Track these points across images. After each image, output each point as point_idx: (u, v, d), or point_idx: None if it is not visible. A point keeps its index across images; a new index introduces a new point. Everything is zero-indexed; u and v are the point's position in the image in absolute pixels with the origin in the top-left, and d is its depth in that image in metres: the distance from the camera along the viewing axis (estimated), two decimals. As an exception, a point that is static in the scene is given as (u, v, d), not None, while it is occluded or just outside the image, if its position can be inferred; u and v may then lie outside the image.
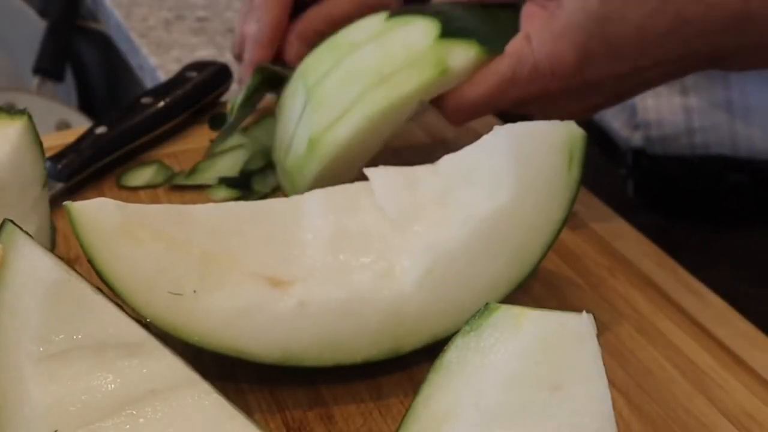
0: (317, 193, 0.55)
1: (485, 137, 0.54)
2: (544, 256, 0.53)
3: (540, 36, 0.58)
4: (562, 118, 0.61)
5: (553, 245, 0.53)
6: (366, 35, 0.62)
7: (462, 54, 0.60)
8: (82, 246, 0.48)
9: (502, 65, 0.60)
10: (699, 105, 0.77)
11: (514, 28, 0.62)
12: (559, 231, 0.53)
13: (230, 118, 0.73)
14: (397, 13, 0.63)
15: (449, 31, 0.61)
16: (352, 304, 0.50)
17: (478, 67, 0.60)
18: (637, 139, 0.81)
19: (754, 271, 0.73)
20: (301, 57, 0.66)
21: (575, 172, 0.52)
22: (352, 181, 0.58)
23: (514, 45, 0.59)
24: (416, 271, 0.51)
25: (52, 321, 0.44)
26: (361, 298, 0.50)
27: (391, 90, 0.60)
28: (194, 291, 0.48)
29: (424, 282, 0.50)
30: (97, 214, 0.49)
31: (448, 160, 0.56)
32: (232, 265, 0.51)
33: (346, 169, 0.63)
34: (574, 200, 0.53)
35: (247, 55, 0.73)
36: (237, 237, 0.52)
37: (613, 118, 0.82)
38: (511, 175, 0.52)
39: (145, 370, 0.45)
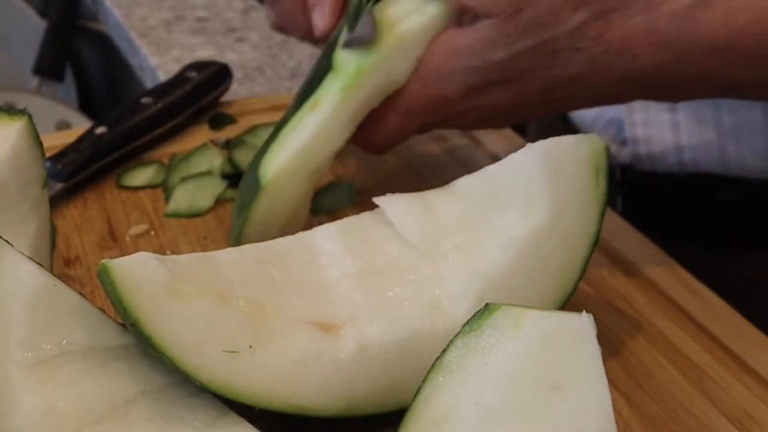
0: (328, 228, 0.53)
1: (512, 156, 0.53)
2: (583, 272, 0.52)
3: (430, 74, 0.60)
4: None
5: (590, 261, 0.52)
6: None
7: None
8: (123, 309, 0.43)
9: (400, 103, 0.61)
10: (687, 122, 0.76)
11: None
12: (594, 246, 0.52)
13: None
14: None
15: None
16: (410, 342, 0.48)
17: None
18: (625, 155, 0.80)
19: (745, 291, 0.72)
20: None
21: (602, 184, 0.52)
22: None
23: (410, 82, 0.61)
24: (467, 300, 0.49)
25: (40, 327, 0.44)
26: (417, 335, 0.48)
27: (317, 109, 0.59)
28: (250, 346, 0.45)
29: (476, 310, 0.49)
30: (140, 271, 0.44)
31: (465, 183, 0.55)
32: (277, 314, 0.47)
33: (294, 201, 0.61)
34: (604, 213, 0.52)
35: None
36: (269, 283, 0.49)
37: (600, 133, 0.81)
38: (546, 194, 0.51)
39: (134, 373, 0.45)
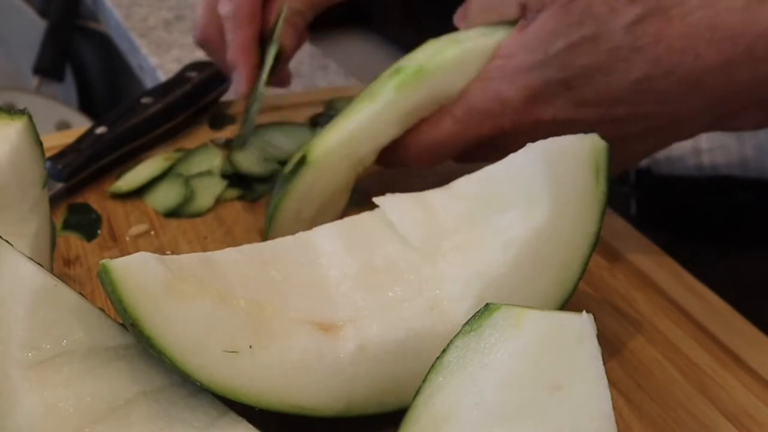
0: (328, 228, 0.54)
1: (512, 156, 0.53)
2: (583, 272, 0.52)
3: (491, 75, 0.60)
4: None
5: (589, 261, 0.52)
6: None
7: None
8: (123, 309, 0.43)
9: (457, 106, 0.61)
10: None
11: None
12: (594, 246, 0.52)
13: (247, 120, 0.72)
14: None
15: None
16: (410, 342, 0.48)
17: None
18: None
19: (755, 292, 0.72)
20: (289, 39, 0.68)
21: (602, 184, 0.52)
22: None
23: (469, 86, 0.61)
24: (467, 300, 0.49)
25: (40, 327, 0.44)
26: (417, 335, 0.48)
27: (373, 103, 0.62)
28: (250, 347, 0.45)
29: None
30: (140, 271, 0.44)
31: (465, 182, 0.55)
32: (277, 314, 0.47)
33: (334, 188, 0.64)
34: (604, 213, 0.52)
35: (231, 36, 0.70)
36: (268, 283, 0.50)
37: None
38: (546, 194, 0.51)
39: (134, 373, 0.45)
